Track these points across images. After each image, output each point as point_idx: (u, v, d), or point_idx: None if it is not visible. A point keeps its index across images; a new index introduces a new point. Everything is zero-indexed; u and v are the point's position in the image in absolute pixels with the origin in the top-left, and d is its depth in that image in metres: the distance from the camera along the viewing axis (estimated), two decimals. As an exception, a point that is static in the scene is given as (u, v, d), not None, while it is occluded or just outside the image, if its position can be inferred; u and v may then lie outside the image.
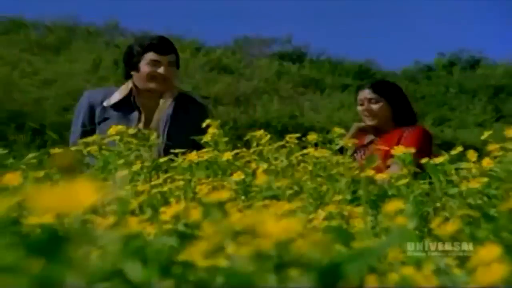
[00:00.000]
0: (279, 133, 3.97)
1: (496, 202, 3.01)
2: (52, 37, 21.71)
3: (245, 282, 1.16)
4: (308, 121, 19.38)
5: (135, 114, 5.08)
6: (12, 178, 2.14)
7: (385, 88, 6.25)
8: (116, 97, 5.09)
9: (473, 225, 2.71)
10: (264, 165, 3.50)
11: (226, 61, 22.88)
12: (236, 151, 3.65)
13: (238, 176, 3.13)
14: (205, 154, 3.39)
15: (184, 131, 4.83)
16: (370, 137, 6.12)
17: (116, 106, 5.06)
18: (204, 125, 3.72)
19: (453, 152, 3.34)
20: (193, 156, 3.39)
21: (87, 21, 22.19)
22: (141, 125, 4.98)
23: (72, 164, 1.69)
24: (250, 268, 1.18)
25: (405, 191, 3.05)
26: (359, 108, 6.18)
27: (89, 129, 5.00)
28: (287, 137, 3.73)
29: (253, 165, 3.57)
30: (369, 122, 6.03)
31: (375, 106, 6.05)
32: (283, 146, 3.73)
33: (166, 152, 4.53)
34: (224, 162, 3.46)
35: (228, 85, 20.86)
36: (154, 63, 5.09)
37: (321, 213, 2.41)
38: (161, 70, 5.11)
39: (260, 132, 3.78)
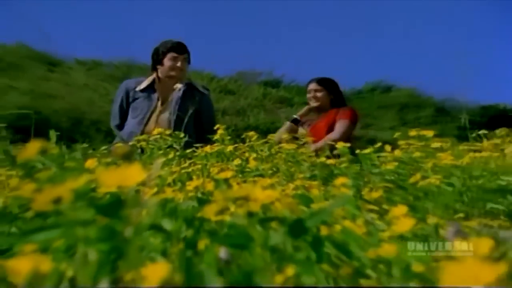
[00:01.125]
0: (264, 134, 3.96)
1: (404, 178, 3.03)
2: (118, 72, 21.73)
3: (241, 231, 1.14)
4: (283, 126, 19.65)
5: (155, 95, 5.25)
6: (91, 163, 2.14)
7: (326, 82, 6.56)
8: (144, 84, 5.28)
9: (389, 193, 2.73)
10: (254, 154, 3.63)
11: (230, 86, 23.12)
12: (235, 145, 3.76)
13: (237, 161, 3.23)
14: (215, 147, 3.55)
15: (188, 110, 5.16)
16: (313, 116, 6.54)
17: (143, 90, 5.26)
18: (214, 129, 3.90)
19: (376, 146, 3.49)
20: (208, 148, 3.52)
21: (141, 61, 22.23)
22: (159, 103, 5.24)
23: (128, 153, 1.68)
24: (244, 222, 1.16)
25: (345, 171, 3.13)
26: (308, 95, 6.56)
27: (125, 108, 5.33)
28: (269, 136, 3.94)
29: (247, 154, 3.66)
30: (313, 104, 6.47)
31: (319, 94, 6.50)
32: (266, 142, 3.83)
33: (176, 125, 5.09)
34: (228, 152, 3.57)
35: (231, 102, 21.04)
36: (174, 59, 5.30)
37: (291, 186, 2.43)
38: (179, 63, 5.31)
39: (252, 133, 3.92)
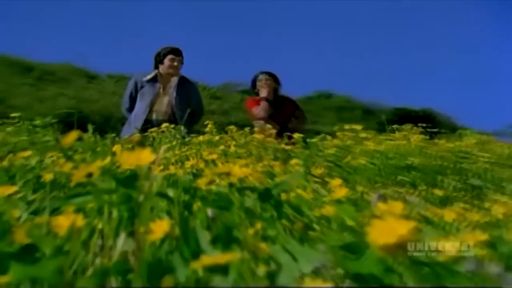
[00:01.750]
0: (241, 127, 3.91)
1: (340, 159, 3.04)
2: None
3: (224, 197, 1.14)
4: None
5: (158, 85, 5.13)
6: (117, 148, 2.10)
7: (273, 75, 6.18)
8: (149, 76, 5.13)
9: (329, 169, 2.74)
10: (234, 142, 3.58)
11: (218, 93, 23.09)
12: (221, 136, 3.73)
13: (222, 147, 3.23)
14: (206, 137, 3.59)
15: (183, 97, 5.15)
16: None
17: (149, 81, 5.11)
18: (206, 126, 3.94)
19: (320, 136, 3.57)
20: (200, 138, 3.52)
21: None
22: (161, 90, 5.13)
23: (142, 141, 1.69)
24: (226, 190, 1.15)
25: (298, 154, 3.15)
26: (260, 82, 6.13)
27: (134, 95, 5.18)
28: (245, 129, 3.88)
29: (229, 142, 3.61)
30: (266, 90, 6.03)
31: (271, 83, 6.08)
32: (242, 133, 3.78)
33: (174, 106, 5.12)
34: (215, 140, 3.51)
35: (218, 105, 21.09)
36: (172, 60, 5.17)
37: (260, 165, 2.41)
38: (175, 63, 5.18)
39: (232, 127, 3.92)
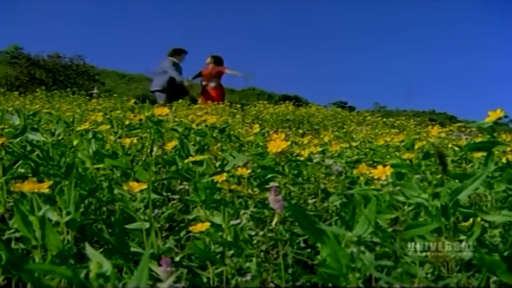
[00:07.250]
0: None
1: (258, 115, 2.99)
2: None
3: (203, 131, 1.11)
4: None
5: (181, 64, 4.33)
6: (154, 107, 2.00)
7: (219, 59, 4.40)
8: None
9: (252, 120, 2.65)
10: (210, 108, 3.19)
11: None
12: (204, 106, 3.43)
13: (204, 110, 2.83)
14: (198, 105, 3.25)
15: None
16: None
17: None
18: None
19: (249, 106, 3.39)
20: (196, 106, 3.19)
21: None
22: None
23: (163, 104, 1.58)
24: (205, 128, 1.12)
25: (239, 112, 3.02)
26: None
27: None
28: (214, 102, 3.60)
29: (208, 107, 3.18)
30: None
31: (211, 65, 4.30)
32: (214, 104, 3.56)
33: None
34: (202, 107, 3.16)
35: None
36: (183, 55, 4.37)
37: (221, 118, 2.29)
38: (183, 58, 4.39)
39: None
